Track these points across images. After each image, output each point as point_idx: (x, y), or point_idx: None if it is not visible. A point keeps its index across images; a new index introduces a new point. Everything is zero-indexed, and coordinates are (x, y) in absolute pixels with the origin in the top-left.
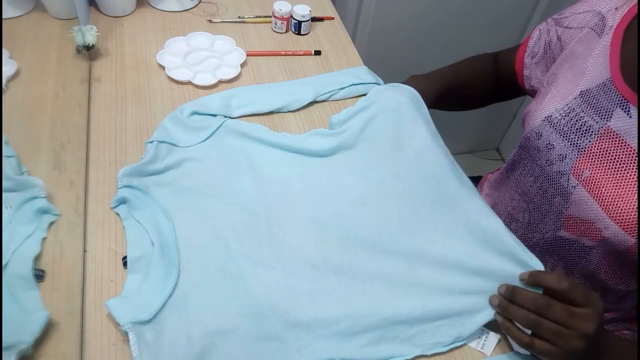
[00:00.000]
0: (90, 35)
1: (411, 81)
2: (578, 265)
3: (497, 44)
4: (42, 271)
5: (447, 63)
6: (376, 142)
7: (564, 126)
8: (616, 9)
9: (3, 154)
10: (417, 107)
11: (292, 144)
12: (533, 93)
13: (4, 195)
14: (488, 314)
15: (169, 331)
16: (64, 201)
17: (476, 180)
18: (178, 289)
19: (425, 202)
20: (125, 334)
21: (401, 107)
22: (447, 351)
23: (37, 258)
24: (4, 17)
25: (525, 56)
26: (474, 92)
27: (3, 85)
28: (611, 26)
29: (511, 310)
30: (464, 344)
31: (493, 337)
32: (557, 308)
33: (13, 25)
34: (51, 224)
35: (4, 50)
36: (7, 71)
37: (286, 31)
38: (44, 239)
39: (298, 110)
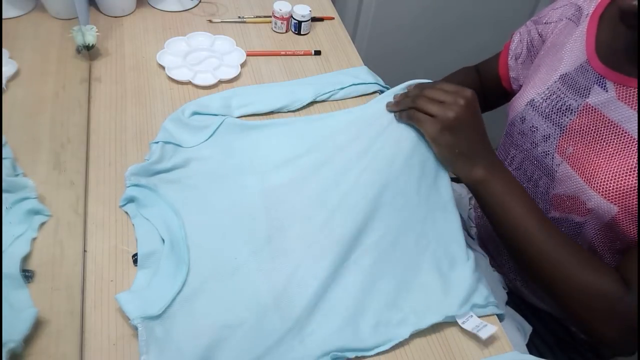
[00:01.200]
0: (90, 35)
1: None
2: None
3: (497, 44)
4: (31, 272)
5: (446, 63)
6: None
7: (545, 108)
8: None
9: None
10: None
11: (294, 128)
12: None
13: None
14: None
15: (177, 326)
16: (64, 201)
17: None
18: (187, 284)
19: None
20: (135, 328)
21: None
22: (443, 321)
23: (28, 258)
24: (4, 17)
25: (509, 59)
26: None
27: (3, 85)
28: (587, 14)
29: (402, 100)
30: (457, 323)
31: (490, 328)
32: (434, 87)
33: (13, 25)
34: (43, 224)
35: (4, 50)
36: (7, 71)
37: (286, 31)
38: (35, 239)
39: (298, 110)
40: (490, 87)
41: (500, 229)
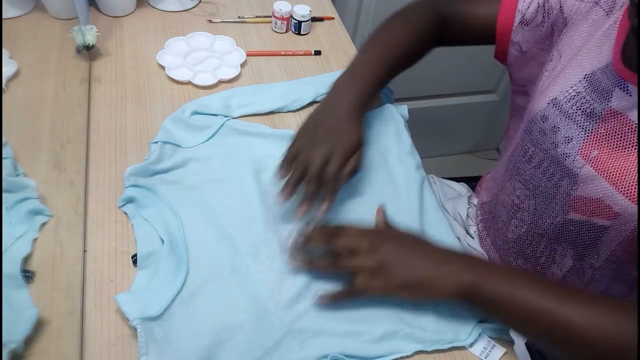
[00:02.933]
0: (90, 35)
1: (339, 93)
2: (591, 250)
3: None
4: (32, 272)
5: (445, 63)
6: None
7: (569, 109)
8: None
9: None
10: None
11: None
12: (518, 58)
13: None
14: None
15: (176, 327)
16: (64, 201)
17: (476, 180)
18: (186, 285)
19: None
20: (134, 329)
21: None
22: (448, 349)
23: (30, 258)
24: (4, 17)
25: (516, 22)
26: (411, 62)
27: (3, 85)
28: (621, 5)
29: (313, 263)
30: (465, 348)
31: (498, 350)
32: (338, 238)
33: (13, 25)
34: (44, 224)
35: (4, 50)
36: (7, 71)
37: (286, 31)
38: (36, 239)
39: (298, 110)
40: (469, 32)
41: (515, 323)
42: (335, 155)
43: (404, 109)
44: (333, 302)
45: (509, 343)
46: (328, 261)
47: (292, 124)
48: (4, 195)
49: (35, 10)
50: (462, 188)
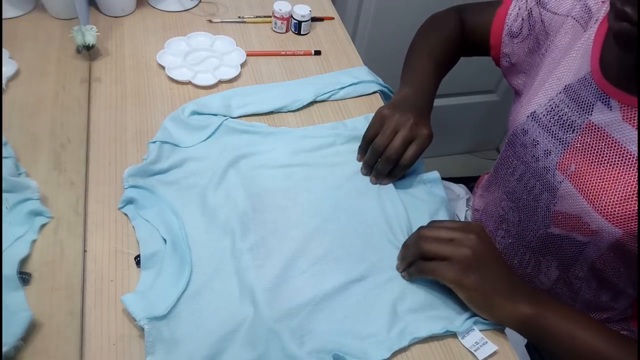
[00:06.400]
0: (90, 35)
1: (407, 103)
2: (574, 262)
3: None
4: (28, 274)
5: None
6: None
7: (547, 122)
8: (602, 2)
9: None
10: None
11: (293, 138)
12: (509, 69)
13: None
14: None
15: (182, 326)
16: (64, 201)
17: (476, 180)
18: (191, 284)
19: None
20: (140, 329)
21: None
22: (442, 334)
23: (28, 259)
24: (4, 17)
25: (504, 35)
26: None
27: (3, 85)
28: (596, 20)
29: (405, 253)
30: (458, 339)
31: (489, 347)
32: (435, 227)
33: (13, 25)
34: (44, 225)
35: (4, 50)
36: (7, 71)
37: (286, 31)
38: (35, 241)
39: (298, 110)
40: (474, 45)
41: (570, 358)
42: (412, 145)
43: None
44: (402, 267)
45: (502, 340)
46: (415, 250)
47: (292, 124)
48: (4, 195)
49: (35, 10)
50: (460, 190)
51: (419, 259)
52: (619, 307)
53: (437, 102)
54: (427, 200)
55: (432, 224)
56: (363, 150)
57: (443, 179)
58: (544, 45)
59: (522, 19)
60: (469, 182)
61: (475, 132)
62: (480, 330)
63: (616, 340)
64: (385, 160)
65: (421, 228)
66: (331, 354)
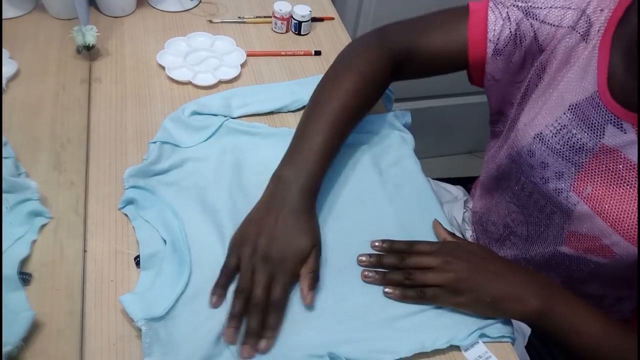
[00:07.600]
0: (90, 35)
1: (285, 184)
2: (580, 280)
3: None
4: (29, 274)
5: None
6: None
7: (556, 144)
8: (601, 10)
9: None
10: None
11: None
12: (490, 85)
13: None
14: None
15: (180, 327)
16: (64, 201)
17: (475, 181)
18: (190, 285)
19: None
20: (137, 329)
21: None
22: (446, 350)
23: (28, 260)
24: (4, 17)
25: (489, 55)
26: (366, 111)
27: (3, 85)
28: (598, 30)
29: (387, 276)
30: (461, 351)
31: None
32: (413, 254)
33: (13, 25)
34: (44, 225)
35: (4, 50)
36: (7, 71)
37: (286, 31)
38: (35, 241)
39: (298, 110)
40: (432, 68)
41: (576, 354)
42: (280, 275)
43: (406, 116)
44: (398, 299)
45: (508, 352)
46: (401, 276)
47: (292, 124)
48: (4, 195)
49: (35, 10)
50: (458, 191)
51: (408, 286)
52: (623, 310)
53: (437, 102)
54: (422, 204)
55: (409, 250)
56: (222, 287)
57: (442, 179)
58: (536, 60)
59: (510, 32)
60: (469, 182)
61: (475, 132)
62: (484, 343)
63: (620, 338)
64: (270, 313)
65: (400, 256)
66: (328, 354)
